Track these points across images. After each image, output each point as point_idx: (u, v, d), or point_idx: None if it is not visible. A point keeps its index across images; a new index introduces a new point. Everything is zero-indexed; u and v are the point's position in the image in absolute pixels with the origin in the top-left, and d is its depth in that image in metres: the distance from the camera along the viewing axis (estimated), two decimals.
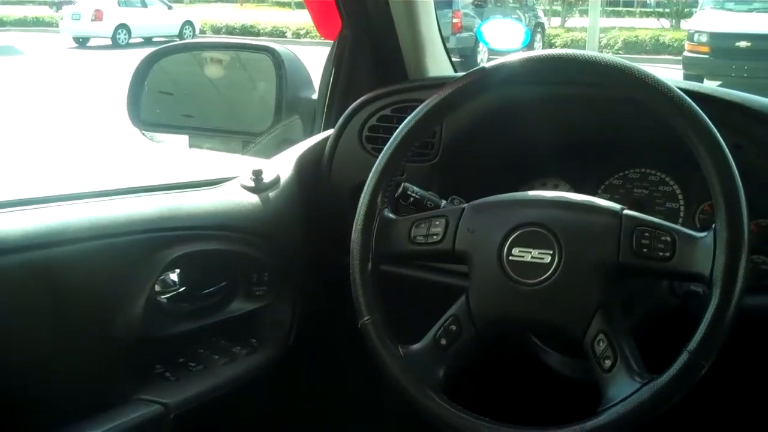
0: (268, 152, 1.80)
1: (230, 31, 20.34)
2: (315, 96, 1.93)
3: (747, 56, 9.54)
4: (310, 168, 1.69)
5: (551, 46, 14.28)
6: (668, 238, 1.10)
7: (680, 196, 1.55)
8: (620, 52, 14.22)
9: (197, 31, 20.19)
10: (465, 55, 12.55)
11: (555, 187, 1.64)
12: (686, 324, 1.07)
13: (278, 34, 19.04)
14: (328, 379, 1.74)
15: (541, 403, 1.47)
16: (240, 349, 1.52)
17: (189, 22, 20.16)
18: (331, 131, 1.73)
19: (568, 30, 17.97)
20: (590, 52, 1.20)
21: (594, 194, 1.59)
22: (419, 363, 1.18)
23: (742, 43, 9.63)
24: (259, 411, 1.57)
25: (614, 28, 16.71)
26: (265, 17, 21.78)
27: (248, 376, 1.49)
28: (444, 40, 1.88)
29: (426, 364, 1.18)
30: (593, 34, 13.24)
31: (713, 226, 1.07)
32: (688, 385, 1.04)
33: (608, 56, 1.18)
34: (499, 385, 1.72)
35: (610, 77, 1.17)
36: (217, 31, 20.60)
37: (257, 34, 19.53)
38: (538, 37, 15.66)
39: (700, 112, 1.10)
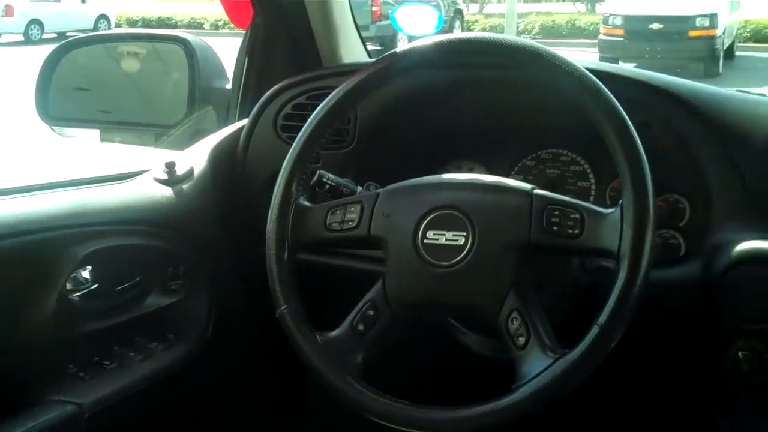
0: (182, 144, 1.77)
1: (147, 23, 19.97)
2: (229, 86, 1.90)
3: (660, 37, 9.79)
4: (224, 158, 1.67)
5: (470, 31, 14.35)
6: (577, 216, 1.11)
7: (591, 175, 1.58)
8: (538, 36, 14.43)
9: (113, 25, 19.76)
10: (385, 43, 12.55)
11: (470, 170, 1.65)
12: (598, 300, 1.09)
13: (196, 25, 18.77)
14: (248, 371, 1.73)
15: (461, 384, 1.48)
16: (156, 344, 1.49)
17: (104, 16, 19.71)
18: (245, 121, 1.70)
19: (487, 16, 18.14)
20: (500, 35, 1.20)
21: (507, 176, 1.60)
22: (337, 350, 1.18)
23: (655, 25, 9.86)
24: (176, 406, 1.54)
25: (531, 13, 16.94)
26: (182, 9, 21.44)
27: (165, 372, 1.47)
28: (358, 27, 1.87)
29: (344, 350, 1.18)
30: (511, 20, 13.40)
31: (620, 202, 1.09)
32: (599, 358, 1.06)
33: (517, 38, 1.18)
34: (420, 367, 1.73)
35: (518, 59, 1.17)
36: (133, 24, 20.22)
37: (174, 26, 19.21)
38: (458, 23, 15.75)
39: (606, 90, 1.11)
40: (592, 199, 1.56)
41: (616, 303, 1.05)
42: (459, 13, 16.39)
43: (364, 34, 1.96)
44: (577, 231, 1.10)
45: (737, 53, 10.89)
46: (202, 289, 1.56)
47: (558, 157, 1.60)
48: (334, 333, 1.19)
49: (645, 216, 1.06)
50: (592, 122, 1.12)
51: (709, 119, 1.38)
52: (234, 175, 1.67)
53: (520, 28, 14.53)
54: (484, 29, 15.51)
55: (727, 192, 1.36)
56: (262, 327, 1.30)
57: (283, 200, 1.23)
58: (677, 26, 9.74)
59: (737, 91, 1.51)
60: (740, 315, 1.28)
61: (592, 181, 1.57)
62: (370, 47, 1.98)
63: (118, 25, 19.89)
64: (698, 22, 9.69)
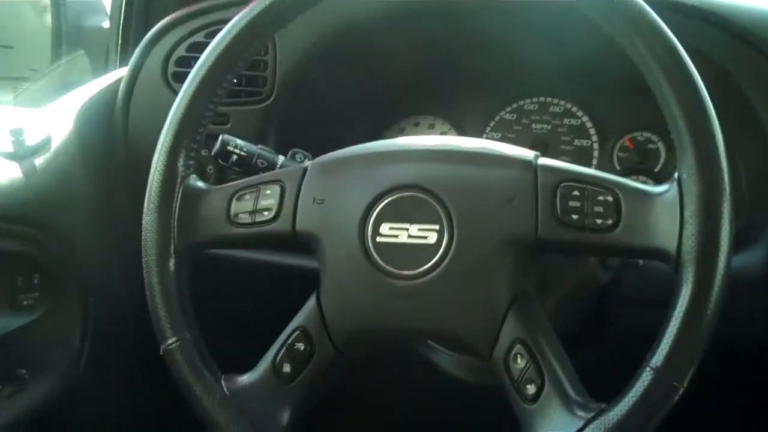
0: (47, 99, 1.49)
1: None
2: (107, 24, 1.65)
3: None
4: (97, 121, 1.37)
5: None
6: (609, 198, 0.82)
7: (592, 131, 1.37)
8: None
9: None
10: None
11: (431, 128, 1.44)
12: (621, 306, 0.97)
13: None
14: (135, 415, 1.47)
15: (435, 420, 1.22)
16: (1, 387, 1.21)
17: None
18: (126, 69, 1.41)
19: None
20: None
21: (480, 134, 1.42)
22: (253, 403, 0.90)
23: None
24: None
25: None
26: None
27: (17, 425, 1.20)
28: None
29: (264, 403, 0.91)
30: None
31: (676, 176, 0.79)
32: (657, 416, 0.77)
33: None
34: (376, 397, 1.50)
35: None
36: None
37: None
38: None
39: (651, 11, 0.82)
40: (595, 162, 1.35)
41: (678, 334, 0.75)
42: None
43: None
44: (610, 222, 0.81)
45: None
46: (71, 304, 1.30)
47: (547, 107, 1.39)
48: (247, 377, 0.92)
49: (718, 197, 0.76)
50: (628, 56, 0.82)
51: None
52: (111, 145, 1.37)
53: None
54: None
55: None
56: (156, 355, 1.02)
57: (166, 181, 0.94)
58: None
59: None
60: None
61: (594, 138, 1.36)
62: None
63: None
64: None
